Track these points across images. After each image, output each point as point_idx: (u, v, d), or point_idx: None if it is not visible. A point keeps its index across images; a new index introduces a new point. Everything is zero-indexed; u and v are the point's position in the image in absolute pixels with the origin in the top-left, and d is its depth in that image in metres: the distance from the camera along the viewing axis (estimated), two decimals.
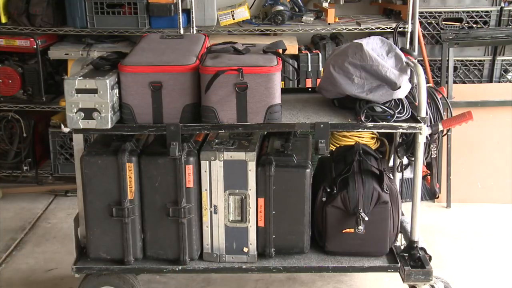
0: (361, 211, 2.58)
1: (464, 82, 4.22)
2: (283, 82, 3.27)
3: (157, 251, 2.66)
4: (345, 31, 4.00)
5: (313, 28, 4.01)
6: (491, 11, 4.09)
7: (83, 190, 2.59)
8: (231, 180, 2.58)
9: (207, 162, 2.57)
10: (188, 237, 2.61)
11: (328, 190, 2.65)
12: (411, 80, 2.65)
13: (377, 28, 3.95)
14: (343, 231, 2.64)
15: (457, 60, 4.16)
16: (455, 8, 4.11)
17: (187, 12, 3.97)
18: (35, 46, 3.92)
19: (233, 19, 4.02)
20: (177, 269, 2.65)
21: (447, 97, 3.66)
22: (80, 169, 2.57)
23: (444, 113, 2.84)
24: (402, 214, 2.82)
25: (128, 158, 2.53)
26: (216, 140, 2.66)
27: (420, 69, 2.52)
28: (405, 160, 2.84)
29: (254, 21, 4.11)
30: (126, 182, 2.54)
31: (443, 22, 4.12)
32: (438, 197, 3.98)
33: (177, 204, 2.57)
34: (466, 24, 4.11)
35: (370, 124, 2.52)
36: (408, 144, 2.67)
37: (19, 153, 4.13)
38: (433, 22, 4.12)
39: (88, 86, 2.36)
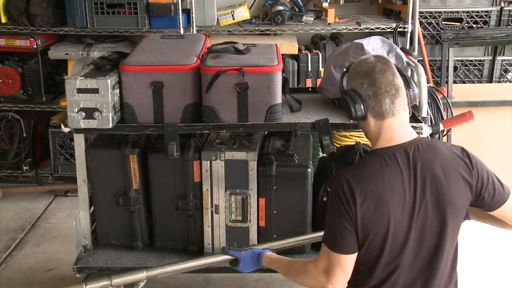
0: None
1: (464, 82, 4.23)
2: None
3: (166, 242, 2.72)
4: (345, 31, 4.00)
5: (313, 28, 4.02)
6: (491, 11, 4.10)
7: (91, 181, 2.63)
8: (232, 180, 2.58)
9: (208, 161, 2.57)
10: (195, 229, 2.67)
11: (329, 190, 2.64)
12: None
13: (377, 28, 3.95)
14: None
15: (457, 60, 4.16)
16: (455, 8, 4.12)
17: (187, 12, 3.97)
18: (35, 46, 3.92)
19: (233, 19, 4.03)
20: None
21: (447, 97, 3.66)
22: (86, 162, 2.60)
23: (445, 113, 2.85)
24: None
25: (131, 150, 2.57)
26: (217, 140, 2.66)
27: (421, 69, 2.52)
28: None
29: (254, 21, 4.11)
30: (130, 172, 2.59)
31: (443, 22, 4.12)
32: None
33: (185, 198, 2.61)
34: (466, 24, 4.12)
35: None
36: None
37: (19, 153, 4.13)
38: (433, 22, 4.13)
39: (89, 86, 2.36)
